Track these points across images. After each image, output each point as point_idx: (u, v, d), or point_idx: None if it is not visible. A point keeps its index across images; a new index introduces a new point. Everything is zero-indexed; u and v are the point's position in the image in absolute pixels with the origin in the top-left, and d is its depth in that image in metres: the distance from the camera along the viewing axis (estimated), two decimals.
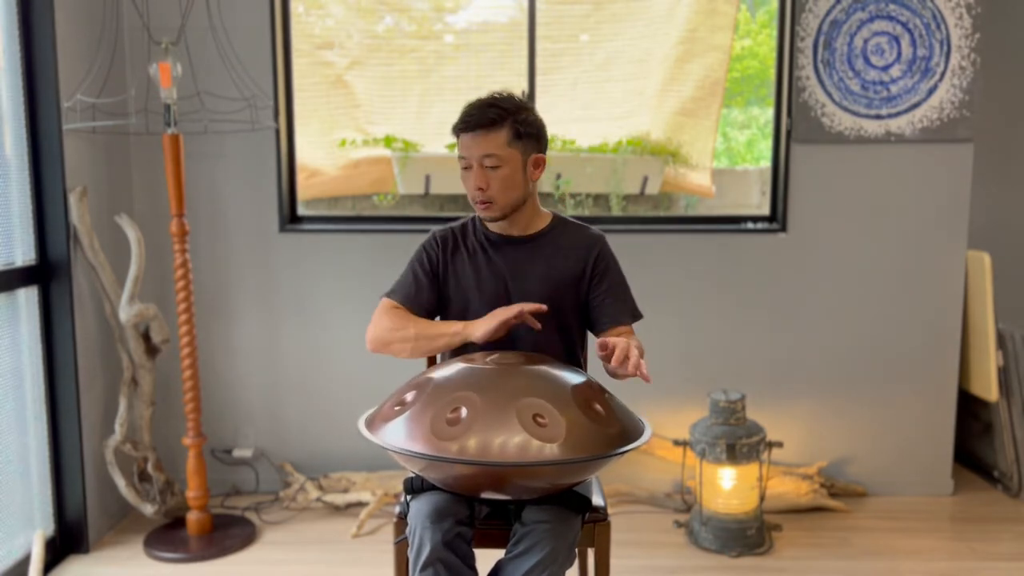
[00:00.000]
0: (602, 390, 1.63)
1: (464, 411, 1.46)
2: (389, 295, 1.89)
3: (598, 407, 1.54)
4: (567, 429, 1.45)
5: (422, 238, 2.02)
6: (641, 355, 1.75)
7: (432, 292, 1.88)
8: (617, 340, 1.61)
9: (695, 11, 3.30)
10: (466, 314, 1.86)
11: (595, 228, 1.93)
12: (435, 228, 1.94)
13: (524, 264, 1.85)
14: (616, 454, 1.47)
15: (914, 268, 3.09)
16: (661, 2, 3.31)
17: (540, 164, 1.83)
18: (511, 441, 1.42)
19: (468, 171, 1.78)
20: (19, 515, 2.56)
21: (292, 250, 3.12)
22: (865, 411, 3.15)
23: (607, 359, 1.62)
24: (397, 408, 1.54)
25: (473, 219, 1.94)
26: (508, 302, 1.84)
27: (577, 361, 1.94)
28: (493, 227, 1.88)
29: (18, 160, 2.55)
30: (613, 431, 1.51)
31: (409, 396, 1.56)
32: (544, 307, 1.73)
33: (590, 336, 2.02)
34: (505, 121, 1.74)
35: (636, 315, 1.92)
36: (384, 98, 3.39)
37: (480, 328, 1.74)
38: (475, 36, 3.37)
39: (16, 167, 2.55)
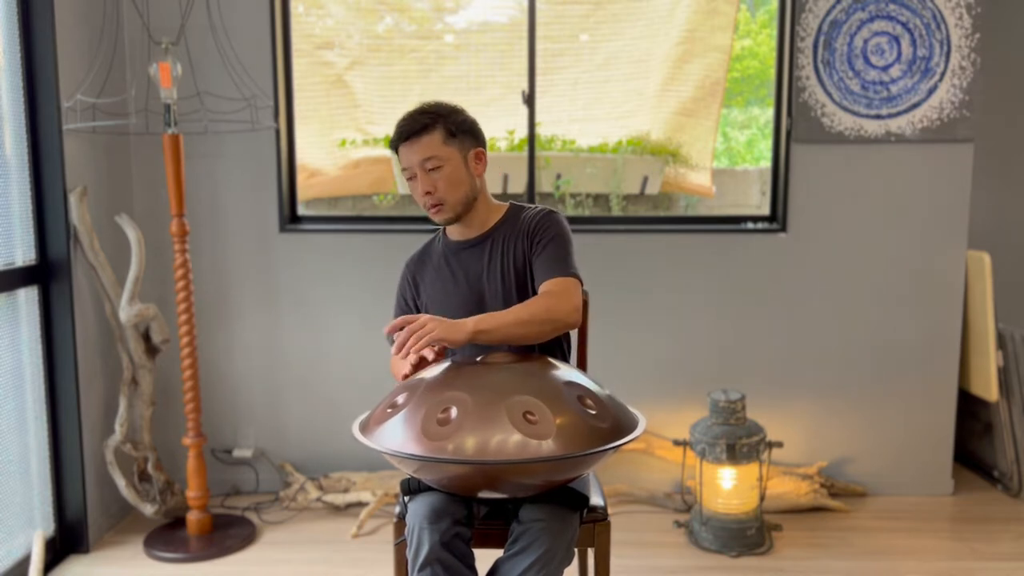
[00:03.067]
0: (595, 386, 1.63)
1: (454, 411, 1.46)
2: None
3: (590, 402, 1.53)
4: (558, 425, 1.45)
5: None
6: (530, 307, 1.70)
7: None
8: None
9: (695, 11, 3.29)
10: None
11: (546, 206, 1.91)
12: (408, 257, 1.99)
13: (485, 264, 1.87)
14: (608, 449, 1.47)
15: (914, 268, 3.09)
16: (661, 2, 3.31)
17: (481, 158, 1.86)
18: (501, 439, 1.42)
19: (414, 181, 1.81)
20: (19, 515, 2.56)
21: (292, 250, 3.12)
22: (865, 411, 3.15)
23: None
24: (389, 410, 1.55)
25: (438, 232, 1.98)
26: (479, 305, 1.85)
27: (561, 351, 1.95)
28: (452, 234, 1.91)
29: (18, 160, 2.55)
30: (605, 426, 1.50)
31: (400, 398, 1.56)
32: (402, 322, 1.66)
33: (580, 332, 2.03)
34: (436, 123, 1.79)
35: (568, 273, 1.80)
36: (384, 98, 3.39)
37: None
38: (475, 36, 3.37)
39: (16, 167, 2.55)
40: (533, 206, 1.92)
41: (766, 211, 3.22)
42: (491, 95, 3.32)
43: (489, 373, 1.57)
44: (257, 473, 3.21)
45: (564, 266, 1.81)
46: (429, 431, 1.45)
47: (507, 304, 1.84)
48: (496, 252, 1.86)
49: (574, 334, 2.03)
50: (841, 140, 3.03)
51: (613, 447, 1.48)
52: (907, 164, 3.04)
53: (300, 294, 3.14)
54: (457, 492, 1.56)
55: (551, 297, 1.74)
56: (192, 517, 2.79)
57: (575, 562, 1.84)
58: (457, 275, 1.88)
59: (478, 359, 1.64)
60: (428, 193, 1.79)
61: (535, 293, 1.82)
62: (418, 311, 1.96)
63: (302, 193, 3.24)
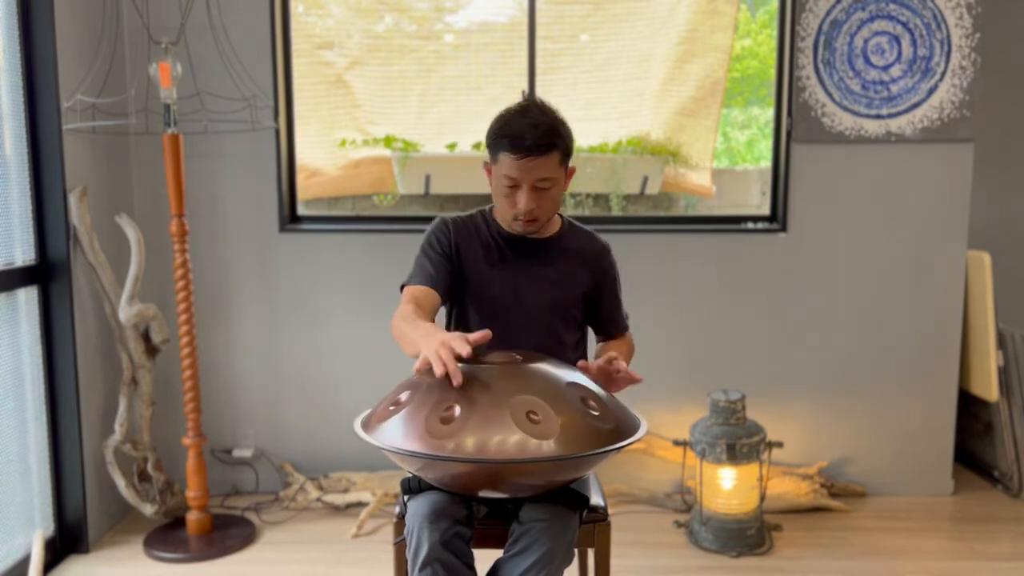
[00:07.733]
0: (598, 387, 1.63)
1: (458, 409, 1.46)
2: (407, 282, 1.83)
3: (592, 403, 1.53)
4: (561, 426, 1.45)
5: (421, 238, 2.01)
6: (631, 353, 1.96)
7: (446, 272, 1.83)
8: (620, 364, 1.69)
9: (695, 11, 3.29)
10: (480, 309, 1.86)
11: (601, 236, 1.97)
12: (442, 215, 1.91)
13: (535, 267, 1.87)
14: (611, 450, 1.47)
15: (914, 268, 3.09)
16: (661, 2, 3.31)
17: (571, 175, 1.86)
18: (504, 438, 1.42)
19: (515, 191, 1.76)
20: (19, 515, 2.56)
21: (292, 250, 3.12)
22: (865, 411, 3.15)
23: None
24: (392, 408, 1.54)
25: (483, 213, 1.92)
26: (514, 304, 1.84)
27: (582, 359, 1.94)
28: (508, 227, 1.88)
29: (18, 160, 2.55)
30: (608, 427, 1.50)
31: (404, 396, 1.56)
32: (488, 335, 1.54)
33: (591, 335, 2.03)
34: (558, 145, 1.74)
35: (626, 317, 2.06)
36: (384, 98, 3.39)
37: (423, 350, 1.54)
38: (475, 36, 3.37)
39: (16, 167, 2.55)
40: (588, 230, 1.96)
41: (766, 211, 3.22)
42: (491, 95, 3.32)
43: (493, 373, 1.57)
44: (257, 473, 3.21)
45: (625, 312, 2.05)
46: (432, 429, 1.45)
47: (532, 311, 1.85)
48: (550, 262, 1.88)
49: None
50: (841, 140, 3.03)
51: (615, 448, 1.48)
52: (907, 164, 3.04)
53: (300, 294, 3.14)
54: (460, 491, 1.56)
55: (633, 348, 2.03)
56: (192, 517, 2.79)
57: (575, 562, 1.84)
58: (506, 267, 1.86)
59: (483, 358, 1.63)
60: (531, 209, 1.76)
61: (581, 321, 1.96)
62: (451, 266, 1.84)
63: (302, 193, 3.24)
